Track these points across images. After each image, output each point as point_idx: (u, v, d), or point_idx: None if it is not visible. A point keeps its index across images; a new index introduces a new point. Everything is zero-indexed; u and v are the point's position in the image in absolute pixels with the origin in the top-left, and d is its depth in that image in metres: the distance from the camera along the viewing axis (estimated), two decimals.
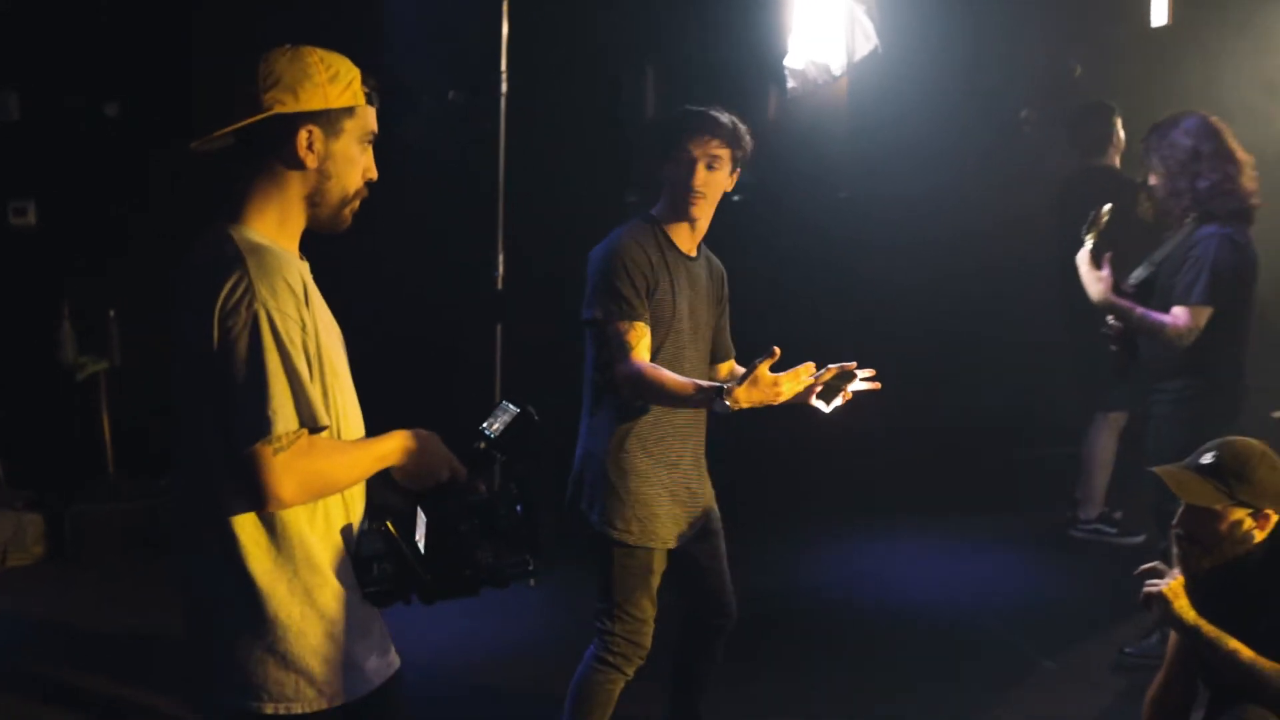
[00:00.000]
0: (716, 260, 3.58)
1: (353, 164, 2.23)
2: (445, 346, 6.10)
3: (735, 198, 6.74)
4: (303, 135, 2.16)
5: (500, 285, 5.38)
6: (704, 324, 3.47)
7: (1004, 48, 6.17)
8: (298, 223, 2.22)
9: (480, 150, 5.33)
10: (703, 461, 3.55)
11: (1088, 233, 4.19)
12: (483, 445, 2.43)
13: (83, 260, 6.26)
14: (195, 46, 6.10)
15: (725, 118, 3.31)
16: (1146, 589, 2.86)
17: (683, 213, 3.35)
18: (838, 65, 5.02)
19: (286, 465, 2.03)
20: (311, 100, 2.15)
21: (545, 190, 5.84)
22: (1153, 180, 4.28)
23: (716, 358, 3.61)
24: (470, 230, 5.53)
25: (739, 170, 3.36)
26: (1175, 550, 2.89)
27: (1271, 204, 4.32)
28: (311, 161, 2.17)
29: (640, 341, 3.23)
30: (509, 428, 2.42)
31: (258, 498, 2.05)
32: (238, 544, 2.10)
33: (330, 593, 2.16)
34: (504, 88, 4.74)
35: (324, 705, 2.16)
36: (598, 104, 6.24)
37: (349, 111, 2.20)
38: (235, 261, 2.07)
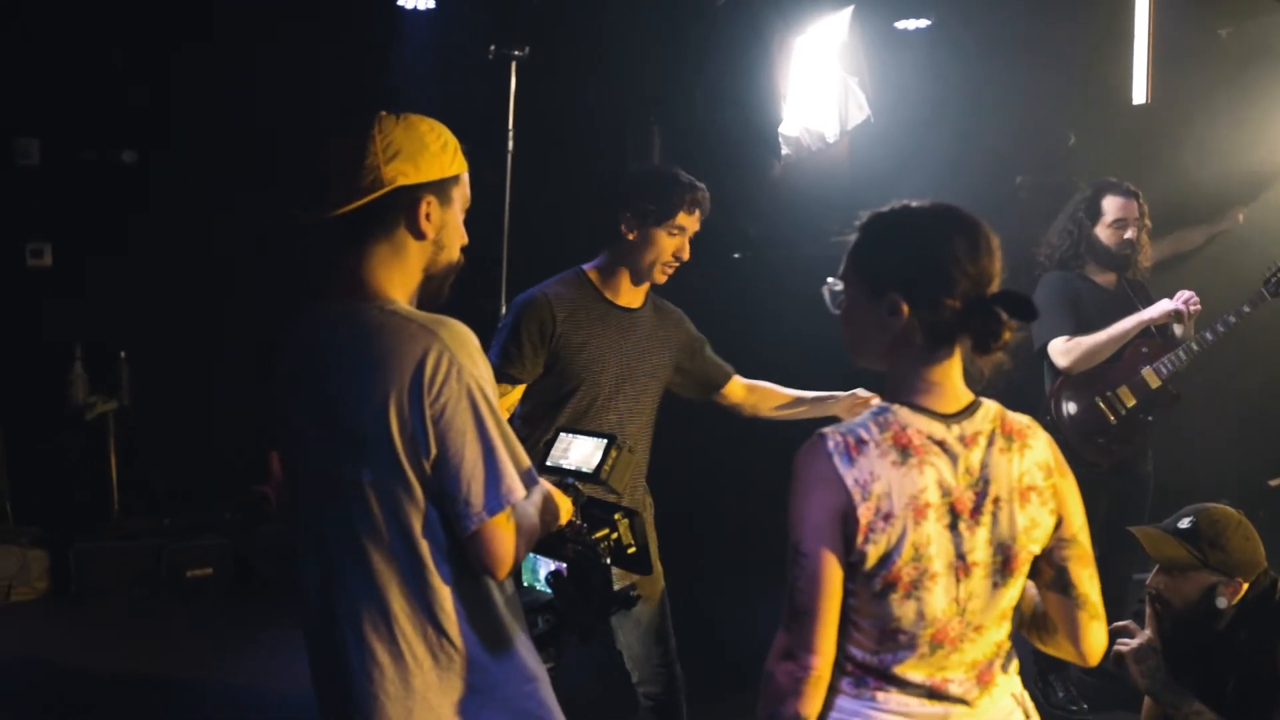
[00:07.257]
0: (667, 305, 3.55)
1: (458, 232, 2.19)
2: None
3: (736, 255, 6.86)
4: (423, 206, 2.10)
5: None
6: (645, 373, 3.41)
7: (997, 118, 6.29)
8: (414, 293, 2.17)
9: (487, 201, 5.45)
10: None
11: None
12: (579, 484, 2.39)
13: (96, 302, 6.40)
14: (220, 99, 6.25)
15: (704, 190, 3.31)
16: (1117, 648, 2.93)
17: (646, 276, 3.35)
18: (831, 133, 5.17)
19: (517, 531, 2.05)
20: (430, 170, 2.10)
21: (550, 238, 5.95)
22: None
23: (716, 384, 3.60)
24: (475, 280, 5.64)
25: None
26: (1147, 610, 2.94)
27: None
28: (430, 232, 2.12)
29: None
30: (612, 462, 2.42)
31: (497, 566, 2.03)
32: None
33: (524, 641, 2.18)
34: (510, 145, 4.89)
35: None
36: (603, 157, 6.35)
37: (456, 180, 2.16)
38: (424, 334, 2.01)
